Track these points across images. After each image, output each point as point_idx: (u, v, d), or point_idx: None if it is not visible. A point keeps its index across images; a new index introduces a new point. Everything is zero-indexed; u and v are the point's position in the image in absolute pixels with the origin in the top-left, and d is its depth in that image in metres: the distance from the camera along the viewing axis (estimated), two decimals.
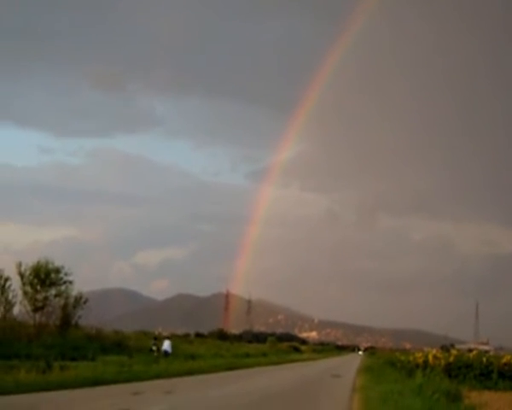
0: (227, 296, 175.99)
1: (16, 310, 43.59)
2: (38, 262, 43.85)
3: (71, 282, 45.36)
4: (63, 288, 45.10)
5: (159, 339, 45.83)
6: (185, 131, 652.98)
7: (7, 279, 42.76)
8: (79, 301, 46.36)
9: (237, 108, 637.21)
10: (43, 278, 43.73)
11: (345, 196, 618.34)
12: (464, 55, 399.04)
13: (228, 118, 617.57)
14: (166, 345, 42.85)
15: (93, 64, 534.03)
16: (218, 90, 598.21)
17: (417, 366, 32.29)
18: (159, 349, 42.29)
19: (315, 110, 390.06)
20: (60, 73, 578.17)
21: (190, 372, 32.43)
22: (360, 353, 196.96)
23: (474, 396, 23.69)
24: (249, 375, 36.45)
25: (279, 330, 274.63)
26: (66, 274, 44.98)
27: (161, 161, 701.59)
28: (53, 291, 44.61)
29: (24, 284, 43.33)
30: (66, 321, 45.28)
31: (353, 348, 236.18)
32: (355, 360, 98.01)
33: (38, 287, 43.62)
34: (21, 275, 43.27)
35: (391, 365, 45.70)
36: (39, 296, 43.82)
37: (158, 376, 27.93)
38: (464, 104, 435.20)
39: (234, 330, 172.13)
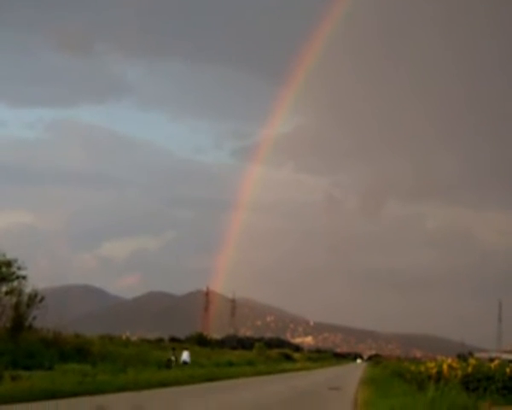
0: (207, 295, 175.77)
1: None
2: None
3: (24, 277, 44.96)
4: (15, 284, 44.75)
5: (177, 349, 56.93)
6: (161, 100, 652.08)
7: None
8: (34, 299, 45.89)
9: (222, 73, 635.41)
10: None
11: (347, 179, 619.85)
12: None
13: (211, 85, 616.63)
14: (185, 355, 53.99)
15: (55, 22, 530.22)
16: (201, 54, 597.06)
17: (429, 377, 32.33)
18: (177, 360, 52.52)
19: (315, 75, 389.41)
20: (15, 31, 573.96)
21: (163, 384, 32.40)
22: (358, 361, 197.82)
23: None
24: (232, 387, 36.47)
25: (268, 335, 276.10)
26: (19, 268, 44.56)
27: (133, 135, 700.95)
28: (3, 288, 44.26)
29: None
30: (19, 323, 44.89)
31: (355, 356, 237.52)
32: (357, 370, 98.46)
33: None
34: None
35: (399, 376, 45.92)
36: None
37: (125, 388, 27.89)
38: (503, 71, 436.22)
39: (215, 334, 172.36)
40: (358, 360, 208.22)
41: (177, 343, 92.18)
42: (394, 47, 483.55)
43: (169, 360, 51.12)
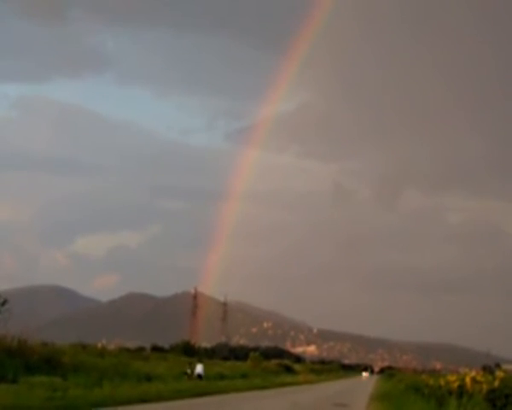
0: (195, 297, 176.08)
1: None
2: None
3: None
4: None
5: (193, 363, 63.05)
6: (145, 74, 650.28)
7: None
8: None
9: (214, 43, 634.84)
10: None
11: (358, 166, 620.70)
12: None
13: (203, 58, 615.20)
14: (199, 369, 59.62)
15: None
16: (190, 22, 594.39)
17: (450, 392, 32.47)
18: (192, 373, 59.02)
19: (322, 43, 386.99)
20: None
21: (143, 399, 32.45)
22: (364, 375, 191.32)
23: None
24: (222, 404, 36.51)
25: (265, 344, 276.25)
26: None
27: (112, 114, 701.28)
28: None
29: None
30: None
31: (365, 368, 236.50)
32: (367, 383, 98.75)
33: None
34: None
35: (415, 391, 46.05)
36: None
37: (100, 404, 27.93)
38: None
39: (204, 342, 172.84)
40: (364, 374, 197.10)
41: (158, 353, 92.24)
42: (414, 15, 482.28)
43: (185, 374, 58.69)
